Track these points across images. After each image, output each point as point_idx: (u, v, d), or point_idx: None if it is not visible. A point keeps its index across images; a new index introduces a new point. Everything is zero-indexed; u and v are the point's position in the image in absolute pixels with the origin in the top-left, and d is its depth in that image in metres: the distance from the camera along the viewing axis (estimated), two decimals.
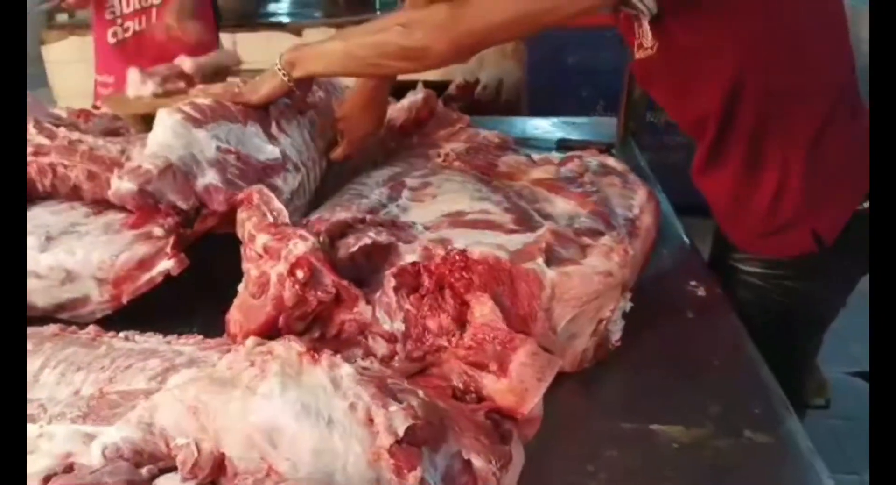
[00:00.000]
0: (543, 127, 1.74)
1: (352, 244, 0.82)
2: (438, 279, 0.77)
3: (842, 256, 0.99)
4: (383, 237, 0.84)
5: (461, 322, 0.74)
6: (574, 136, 1.65)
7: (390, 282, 0.77)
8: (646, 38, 0.98)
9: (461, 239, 0.85)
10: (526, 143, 1.49)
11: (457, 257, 0.78)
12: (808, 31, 0.96)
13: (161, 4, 1.88)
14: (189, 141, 0.94)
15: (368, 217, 0.88)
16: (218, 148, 0.96)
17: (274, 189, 1.00)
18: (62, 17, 4.16)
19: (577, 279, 0.79)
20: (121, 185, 0.86)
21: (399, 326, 0.75)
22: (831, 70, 0.99)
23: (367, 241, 0.82)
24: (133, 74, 1.49)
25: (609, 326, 0.83)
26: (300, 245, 0.74)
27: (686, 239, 1.14)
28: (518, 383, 0.67)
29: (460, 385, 0.70)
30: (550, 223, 0.91)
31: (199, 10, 1.89)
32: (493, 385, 0.69)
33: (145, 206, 0.87)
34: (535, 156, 1.26)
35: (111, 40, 1.90)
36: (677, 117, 1.11)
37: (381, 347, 0.76)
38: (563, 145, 1.56)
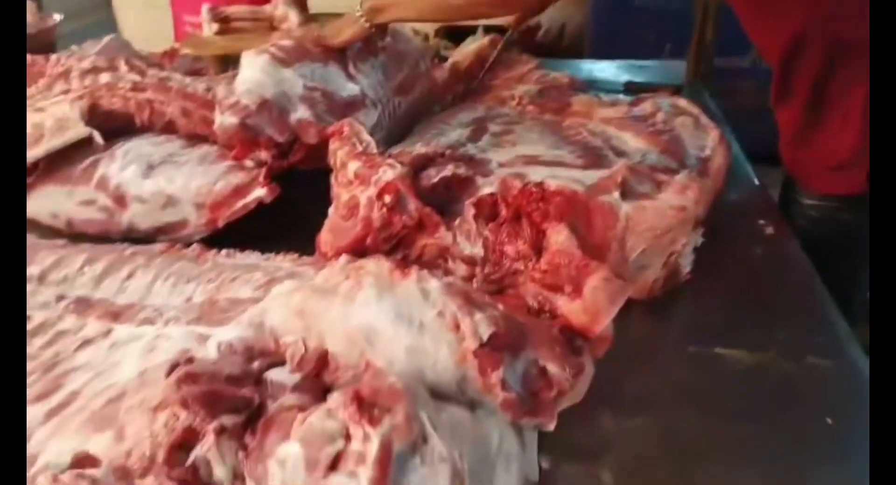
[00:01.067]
0: (609, 70, 1.73)
1: (433, 175, 0.86)
2: (516, 209, 0.81)
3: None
4: (462, 171, 0.88)
5: (537, 249, 0.78)
6: (640, 79, 1.64)
7: (470, 210, 0.81)
8: None
9: (536, 174, 0.89)
10: (592, 85, 1.49)
11: (533, 189, 0.81)
12: None
13: None
14: (279, 79, 0.99)
15: (447, 152, 0.92)
16: (305, 86, 1.01)
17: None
18: None
19: (651, 213, 0.82)
20: (224, 120, 0.92)
21: (478, 250, 0.80)
22: None
23: (447, 173, 0.87)
24: (204, 9, 1.53)
25: (680, 259, 0.86)
26: (389, 172, 0.79)
27: (756, 180, 1.15)
28: (591, 304, 0.71)
29: (535, 305, 0.74)
30: (625, 160, 0.93)
31: None
32: (567, 306, 0.72)
33: (246, 139, 0.93)
34: (606, 98, 1.28)
35: None
36: (755, 39, 1.14)
37: (460, 270, 0.81)
38: (630, 88, 1.55)
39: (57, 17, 1.84)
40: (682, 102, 1.20)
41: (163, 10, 3.78)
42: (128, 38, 1.53)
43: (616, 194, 0.81)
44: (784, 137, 1.15)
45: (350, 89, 1.08)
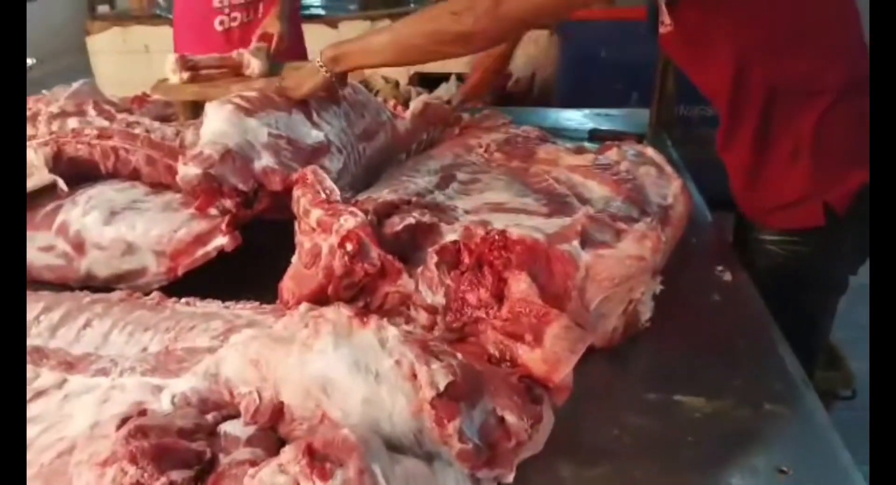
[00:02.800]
0: (576, 118, 1.78)
1: (397, 223, 0.87)
2: (478, 257, 0.81)
3: (851, 224, 1.03)
4: (427, 218, 0.89)
5: (499, 297, 0.79)
6: (605, 127, 1.68)
7: (433, 258, 0.82)
8: (664, 17, 1.08)
9: (500, 222, 0.90)
10: (558, 133, 1.53)
11: (496, 237, 0.82)
12: (811, 23, 1.02)
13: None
14: (243, 128, 1.00)
15: (414, 199, 0.94)
16: (269, 134, 1.02)
17: (323, 169, 1.06)
18: (104, 9, 4.31)
19: (611, 262, 0.83)
20: (187, 170, 0.93)
21: (440, 299, 0.80)
22: (838, 59, 1.04)
23: (411, 220, 0.87)
24: (171, 60, 1.55)
25: (639, 306, 0.87)
26: (350, 220, 0.80)
27: (714, 227, 1.17)
28: (552, 353, 0.72)
29: (496, 353, 0.75)
30: (588, 208, 0.95)
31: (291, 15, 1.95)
32: (527, 354, 0.73)
33: (209, 189, 0.94)
34: (571, 145, 1.30)
35: (219, 28, 1.98)
36: (700, 87, 1.18)
37: (422, 319, 0.81)
38: (594, 136, 1.59)
39: (30, 61, 1.84)
40: (649, 151, 1.23)
41: (137, 55, 3.81)
42: (102, 83, 1.54)
43: (576, 243, 0.83)
44: (735, 180, 1.16)
45: (315, 136, 1.09)
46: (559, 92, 3.05)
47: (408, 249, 0.89)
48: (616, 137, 1.47)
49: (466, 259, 0.83)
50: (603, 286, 0.83)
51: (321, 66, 1.09)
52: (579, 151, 1.26)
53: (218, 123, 1.01)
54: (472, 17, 0.97)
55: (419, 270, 0.84)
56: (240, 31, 1.97)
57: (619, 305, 0.85)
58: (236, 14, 1.98)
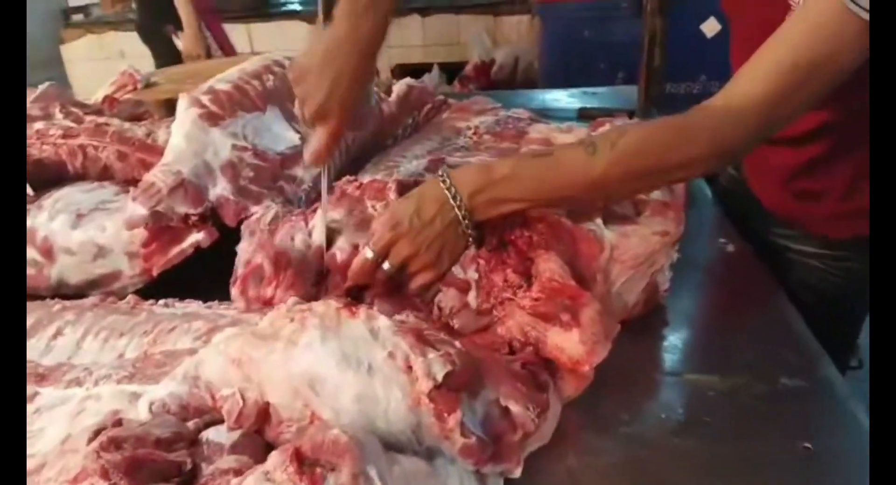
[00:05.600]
0: (562, 98, 1.73)
1: None
2: (500, 236, 0.77)
3: None
4: None
5: (527, 276, 0.74)
6: (593, 105, 1.64)
7: None
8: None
9: None
10: (546, 114, 1.48)
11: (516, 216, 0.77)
12: None
13: None
14: (204, 144, 0.94)
15: (415, 179, 0.89)
16: (234, 146, 0.95)
17: (293, 180, 1.00)
18: (78, 17, 4.23)
19: (635, 240, 0.78)
20: (134, 210, 0.88)
21: (472, 274, 0.75)
22: None
23: None
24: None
25: (658, 277, 0.82)
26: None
27: (712, 200, 1.13)
28: (591, 335, 0.67)
29: (520, 338, 0.69)
30: None
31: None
32: (559, 336, 0.68)
33: (157, 229, 0.88)
34: (562, 125, 1.26)
35: None
36: None
37: (450, 300, 0.76)
38: (583, 115, 1.55)
39: None
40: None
41: (113, 61, 3.74)
42: (78, 91, 1.47)
43: (599, 221, 0.78)
44: (773, 177, 0.97)
45: (289, 140, 1.01)
46: (543, 75, 3.01)
47: None
48: (606, 114, 1.43)
49: (488, 237, 0.78)
50: (627, 266, 0.78)
51: (461, 214, 0.73)
52: (570, 129, 1.22)
53: (178, 139, 0.94)
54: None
55: None
56: None
57: (642, 282, 0.80)
58: None
